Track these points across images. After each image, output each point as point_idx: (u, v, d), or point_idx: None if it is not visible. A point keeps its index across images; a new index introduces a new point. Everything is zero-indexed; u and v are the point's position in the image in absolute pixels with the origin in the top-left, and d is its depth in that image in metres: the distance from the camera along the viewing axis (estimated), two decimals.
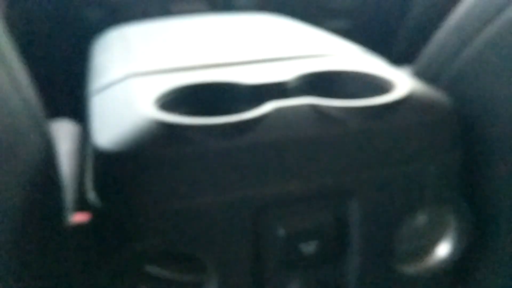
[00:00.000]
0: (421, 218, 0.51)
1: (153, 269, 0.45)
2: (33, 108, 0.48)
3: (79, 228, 0.57)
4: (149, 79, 0.52)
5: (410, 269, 0.53)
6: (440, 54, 0.57)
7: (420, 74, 0.58)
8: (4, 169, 0.38)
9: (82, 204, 0.59)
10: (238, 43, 0.67)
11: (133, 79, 0.53)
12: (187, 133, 0.41)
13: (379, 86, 0.50)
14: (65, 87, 1.04)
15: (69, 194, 0.61)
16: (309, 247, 0.46)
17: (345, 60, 0.57)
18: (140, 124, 0.42)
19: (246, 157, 0.42)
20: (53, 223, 0.50)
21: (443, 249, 0.53)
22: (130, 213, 0.42)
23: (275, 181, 0.43)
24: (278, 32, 0.72)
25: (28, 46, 0.95)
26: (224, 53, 0.60)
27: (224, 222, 0.43)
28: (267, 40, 0.68)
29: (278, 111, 0.44)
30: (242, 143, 0.42)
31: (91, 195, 0.43)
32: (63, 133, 0.81)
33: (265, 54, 0.59)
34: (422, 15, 1.00)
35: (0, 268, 0.37)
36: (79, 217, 0.58)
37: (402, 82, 0.49)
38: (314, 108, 0.45)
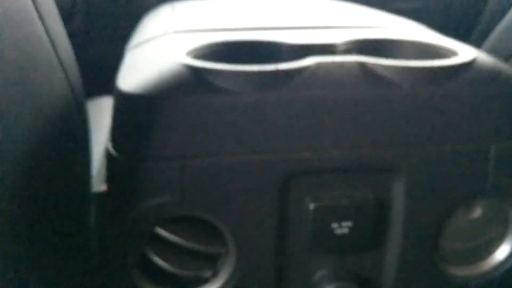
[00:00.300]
0: (477, 211, 0.44)
1: (164, 233, 0.40)
2: (74, 85, 0.45)
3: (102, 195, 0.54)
4: (188, 36, 0.48)
5: (459, 271, 0.46)
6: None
7: (491, 51, 0.51)
8: (38, 129, 0.36)
9: None
10: (287, 12, 0.62)
11: (170, 35, 0.49)
12: (217, 79, 0.37)
13: (439, 54, 0.44)
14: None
15: (100, 165, 0.58)
16: (342, 228, 0.40)
17: (401, 31, 0.51)
18: (166, 68, 0.38)
19: (280, 112, 0.37)
20: (77, 187, 0.47)
21: (501, 252, 0.46)
22: (146, 165, 0.38)
23: (310, 144, 0.38)
24: (332, 7, 0.67)
25: (89, 24, 0.96)
26: (270, 19, 0.56)
27: (248, 186, 0.39)
28: (319, 13, 0.63)
29: (322, 66, 0.39)
30: (277, 96, 0.37)
31: (108, 146, 0.40)
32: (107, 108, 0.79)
33: (315, 22, 0.54)
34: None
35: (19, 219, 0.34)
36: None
37: (466, 51, 0.42)
38: (363, 66, 0.39)
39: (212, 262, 0.42)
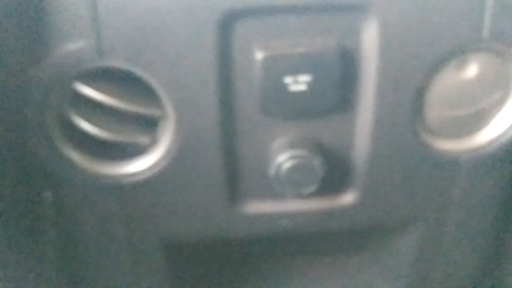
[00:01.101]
0: (470, 70, 0.36)
1: (91, 92, 0.34)
2: None
3: None
4: None
5: (448, 145, 0.39)
6: None
7: None
8: None
9: None
10: None
11: None
12: None
13: None
14: None
15: None
16: (298, 84, 0.33)
17: None
18: None
19: None
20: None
21: (499, 122, 0.38)
22: (55, 2, 0.31)
23: None
24: None
25: None
26: None
27: (179, 29, 0.32)
28: None
29: None
30: None
31: None
32: None
33: None
34: None
35: None
36: None
37: None
38: None
39: (150, 127, 0.36)
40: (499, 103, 0.37)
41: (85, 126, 0.35)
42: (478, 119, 0.38)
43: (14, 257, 0.37)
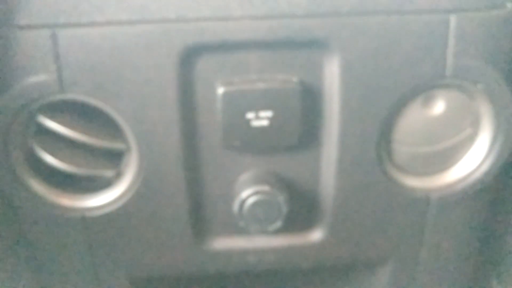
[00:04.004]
0: (437, 107, 0.36)
1: (54, 125, 0.34)
2: None
3: None
4: None
5: (418, 182, 0.38)
6: None
7: None
8: None
9: None
10: None
11: None
12: None
13: None
14: None
15: None
16: (260, 119, 0.33)
17: None
18: None
19: None
20: None
21: (469, 159, 0.37)
22: (16, 36, 0.31)
23: (215, 11, 0.31)
24: None
25: None
26: None
27: (140, 63, 0.32)
28: None
29: None
30: None
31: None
32: None
33: None
34: None
35: None
36: None
37: None
38: None
39: (114, 161, 0.36)
40: (469, 140, 0.37)
41: (49, 159, 0.35)
42: (448, 156, 0.38)
43: None
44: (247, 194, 0.35)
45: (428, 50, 0.33)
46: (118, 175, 0.36)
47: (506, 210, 0.44)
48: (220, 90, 0.33)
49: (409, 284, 0.42)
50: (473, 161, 0.37)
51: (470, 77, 0.34)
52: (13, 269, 0.41)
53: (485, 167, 0.37)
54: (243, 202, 0.35)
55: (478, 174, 0.37)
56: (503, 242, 0.45)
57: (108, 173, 0.36)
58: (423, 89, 0.34)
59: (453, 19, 0.32)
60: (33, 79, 0.32)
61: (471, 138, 0.37)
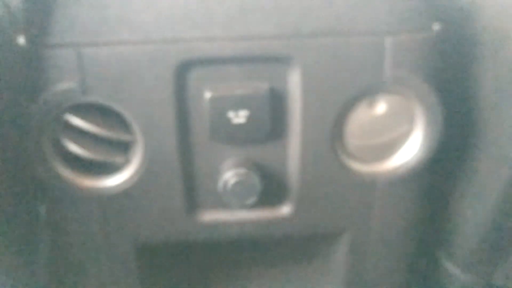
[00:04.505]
0: (381, 107, 0.45)
1: (78, 122, 0.43)
2: None
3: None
4: None
5: (366, 168, 0.47)
6: None
7: None
8: None
9: None
10: None
11: None
12: None
13: None
14: None
15: None
16: (239, 118, 0.43)
17: None
18: None
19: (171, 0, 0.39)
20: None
21: (406, 150, 0.47)
22: (47, 53, 0.40)
23: (202, 34, 0.40)
24: None
25: None
26: None
27: (145, 75, 0.41)
28: None
29: None
30: None
31: (20, 41, 0.42)
32: None
33: None
34: None
35: None
36: None
37: None
38: None
39: (124, 150, 0.45)
40: (406, 134, 0.46)
41: (73, 148, 0.44)
42: (390, 147, 0.47)
43: (10, 261, 0.46)
44: (229, 176, 0.44)
45: (369, 64, 0.42)
46: (127, 162, 0.46)
47: (444, 191, 0.54)
48: (207, 95, 0.42)
49: (364, 252, 0.52)
50: (409, 151, 0.47)
51: (404, 84, 0.43)
52: (37, 244, 0.50)
53: (419, 155, 0.46)
54: (226, 182, 0.44)
55: (414, 161, 0.47)
56: (446, 218, 0.55)
57: (119, 160, 0.45)
58: (367, 94, 0.44)
59: (387, 40, 0.41)
60: (62, 86, 0.41)
61: (407, 133, 0.46)
